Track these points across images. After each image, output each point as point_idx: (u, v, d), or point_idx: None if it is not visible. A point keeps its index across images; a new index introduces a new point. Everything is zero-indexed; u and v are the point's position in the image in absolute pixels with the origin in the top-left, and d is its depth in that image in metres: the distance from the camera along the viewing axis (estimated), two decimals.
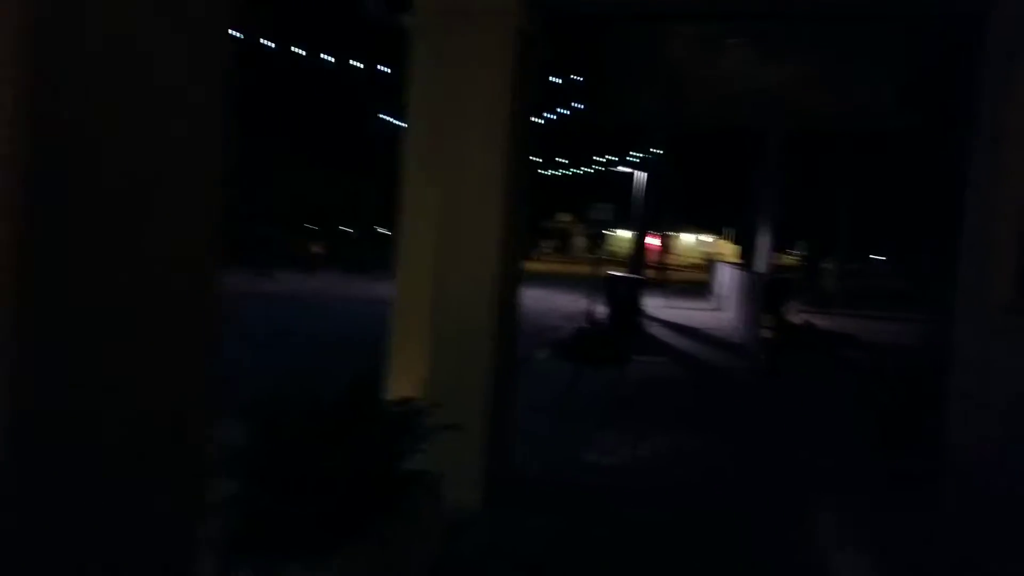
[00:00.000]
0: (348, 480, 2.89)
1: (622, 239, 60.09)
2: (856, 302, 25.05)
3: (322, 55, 22.34)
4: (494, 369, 4.43)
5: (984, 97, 4.65)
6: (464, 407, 4.22)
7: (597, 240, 70.80)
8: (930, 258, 35.69)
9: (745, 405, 8.25)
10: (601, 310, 14.86)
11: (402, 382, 4.39)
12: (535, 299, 21.74)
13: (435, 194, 4.33)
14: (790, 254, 60.06)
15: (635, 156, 26.93)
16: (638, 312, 14.76)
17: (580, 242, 69.98)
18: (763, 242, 22.24)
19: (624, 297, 14.17)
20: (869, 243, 46.08)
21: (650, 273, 31.40)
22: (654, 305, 20.78)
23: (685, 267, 56.09)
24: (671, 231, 56.94)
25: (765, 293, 11.65)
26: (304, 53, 22.36)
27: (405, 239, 4.43)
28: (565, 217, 66.80)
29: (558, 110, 25.19)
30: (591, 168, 41.13)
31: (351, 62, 21.80)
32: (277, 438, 2.96)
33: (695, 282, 35.40)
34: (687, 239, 65.93)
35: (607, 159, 31.90)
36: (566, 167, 38.91)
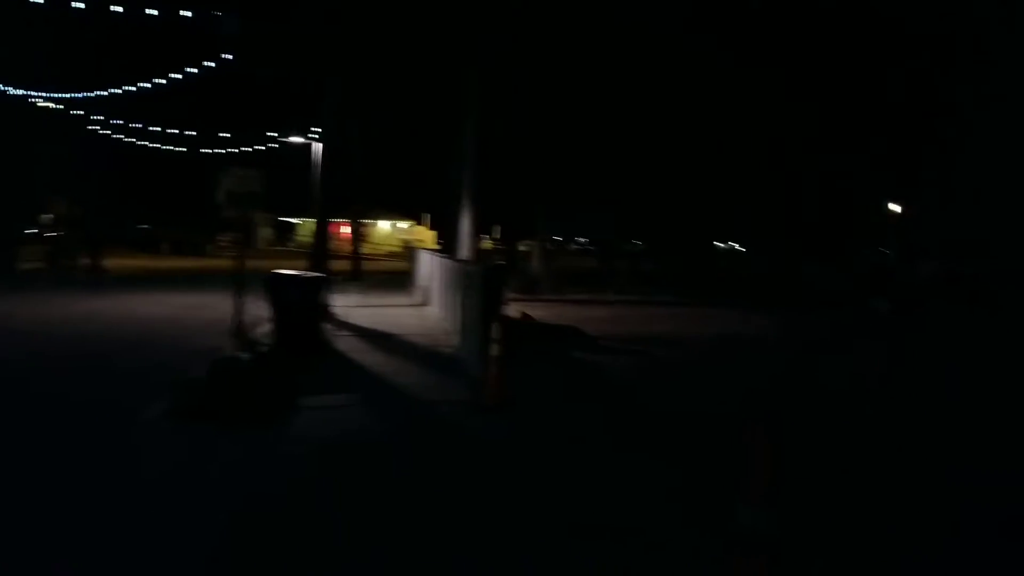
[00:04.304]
0: None
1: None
2: (561, 285, 23.85)
3: None
4: None
5: None
6: None
7: (284, 230, 64.81)
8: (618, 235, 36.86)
9: (488, 509, 4.75)
10: (266, 323, 10.77)
11: None
12: (191, 308, 16.64)
13: None
14: (486, 238, 60.25)
15: (317, 132, 22.81)
16: (319, 322, 10.93)
17: (265, 233, 63.15)
18: (464, 226, 19.65)
19: (297, 304, 10.22)
20: (565, 223, 47.01)
21: (341, 265, 27.61)
22: (347, 304, 17.02)
23: (383, 256, 52.96)
24: (366, 218, 53.28)
25: (484, 289, 8.58)
26: None
27: None
28: None
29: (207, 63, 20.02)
30: (269, 145, 35.64)
31: None
32: None
33: (395, 272, 32.37)
34: (384, 226, 62.89)
35: (281, 135, 27.13)
36: (235, 144, 33.04)
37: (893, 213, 28.54)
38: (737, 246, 57.12)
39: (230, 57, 17.32)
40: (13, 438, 6.00)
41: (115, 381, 8.45)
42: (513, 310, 16.31)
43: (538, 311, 16.80)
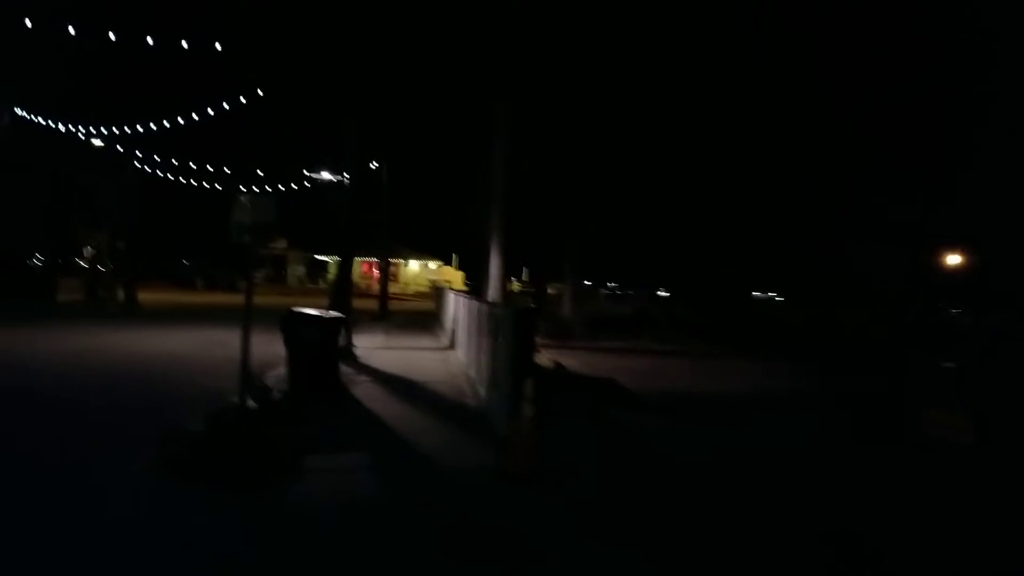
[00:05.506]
0: None
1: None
2: (594, 332, 22.94)
3: None
4: None
5: None
6: None
7: (318, 268, 64.65)
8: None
9: None
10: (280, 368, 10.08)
11: None
12: (211, 345, 15.96)
13: None
14: (514, 280, 59.56)
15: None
16: (336, 365, 10.19)
17: (298, 271, 63.17)
18: (493, 267, 18.94)
19: (315, 346, 9.52)
20: (596, 266, 46.14)
21: (369, 304, 27.03)
22: (371, 346, 16.32)
23: (411, 296, 52.48)
24: (395, 257, 52.96)
25: (515, 335, 7.77)
26: None
27: None
28: (279, 242, 59.52)
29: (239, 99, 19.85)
30: (304, 184, 35.39)
31: None
32: None
33: (423, 312, 31.76)
34: (414, 266, 62.62)
35: (311, 172, 26.84)
36: (270, 181, 32.86)
37: (948, 262, 27.23)
38: (776, 296, 55.67)
39: (260, 93, 17.13)
40: None
41: (107, 424, 7.77)
42: (544, 358, 15.45)
43: (570, 359, 15.96)
